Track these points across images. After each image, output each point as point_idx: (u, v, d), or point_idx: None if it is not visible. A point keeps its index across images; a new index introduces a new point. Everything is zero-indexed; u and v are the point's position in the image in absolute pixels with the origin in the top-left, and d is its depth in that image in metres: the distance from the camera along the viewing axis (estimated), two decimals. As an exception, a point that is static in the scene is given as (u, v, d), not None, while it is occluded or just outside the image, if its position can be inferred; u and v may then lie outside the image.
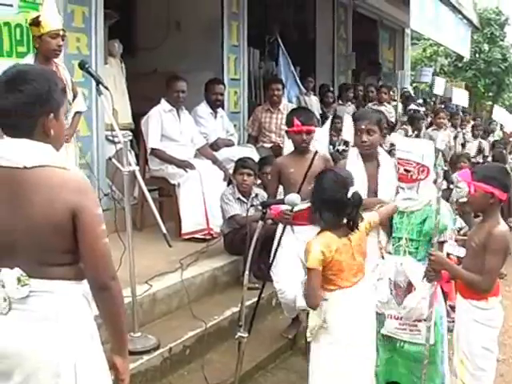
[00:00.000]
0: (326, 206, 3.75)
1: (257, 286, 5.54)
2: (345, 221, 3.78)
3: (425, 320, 4.14)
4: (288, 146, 5.72)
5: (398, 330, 4.39)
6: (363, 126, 4.83)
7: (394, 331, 4.41)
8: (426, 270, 4.05)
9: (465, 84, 24.41)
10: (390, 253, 4.47)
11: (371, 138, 4.81)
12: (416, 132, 10.87)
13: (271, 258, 4.82)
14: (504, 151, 11.42)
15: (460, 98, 14.39)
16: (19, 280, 2.50)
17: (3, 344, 2.51)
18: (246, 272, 4.30)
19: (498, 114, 13.95)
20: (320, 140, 5.76)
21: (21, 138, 2.50)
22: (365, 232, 3.93)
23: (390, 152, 6.43)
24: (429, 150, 4.36)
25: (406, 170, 4.29)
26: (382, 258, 4.47)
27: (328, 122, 7.08)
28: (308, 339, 4.01)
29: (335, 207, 3.74)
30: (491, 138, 13.36)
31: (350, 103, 12.01)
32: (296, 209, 4.76)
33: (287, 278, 5.21)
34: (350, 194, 3.71)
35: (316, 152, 5.25)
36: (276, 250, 4.76)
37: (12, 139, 2.51)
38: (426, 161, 4.23)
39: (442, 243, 4.29)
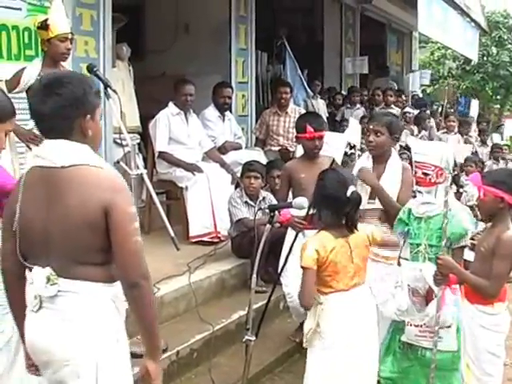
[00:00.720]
0: (325, 204, 3.80)
1: (264, 289, 5.54)
2: (343, 221, 3.80)
3: (448, 327, 4.07)
4: (300, 152, 5.72)
5: (419, 338, 4.26)
6: (371, 127, 4.85)
7: (415, 339, 4.28)
8: (434, 273, 4.02)
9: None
10: (406, 259, 4.40)
11: (377, 140, 4.79)
12: (423, 132, 10.86)
13: (282, 264, 4.81)
14: None
15: (475, 109, 14.47)
16: (49, 279, 2.56)
17: (35, 339, 2.65)
18: (254, 275, 4.28)
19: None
20: (337, 145, 5.75)
21: (59, 139, 2.59)
22: (367, 239, 3.92)
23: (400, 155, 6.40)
24: (447, 152, 4.31)
25: (424, 174, 4.23)
26: (398, 264, 4.43)
27: (350, 130, 7.09)
28: (304, 345, 3.98)
29: (334, 205, 3.77)
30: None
31: (359, 106, 12.00)
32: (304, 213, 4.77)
33: (296, 282, 5.21)
34: (349, 193, 3.73)
35: (326, 157, 5.30)
36: (287, 256, 4.75)
37: (51, 141, 2.60)
38: (444, 164, 4.18)
39: (462, 248, 4.23)
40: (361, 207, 4.33)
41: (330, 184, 3.83)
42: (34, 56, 5.74)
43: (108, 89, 4.78)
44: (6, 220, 2.73)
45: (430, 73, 16.14)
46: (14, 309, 2.83)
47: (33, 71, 5.02)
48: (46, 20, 4.98)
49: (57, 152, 2.58)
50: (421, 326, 4.25)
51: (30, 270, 2.63)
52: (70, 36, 5.11)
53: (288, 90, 8.88)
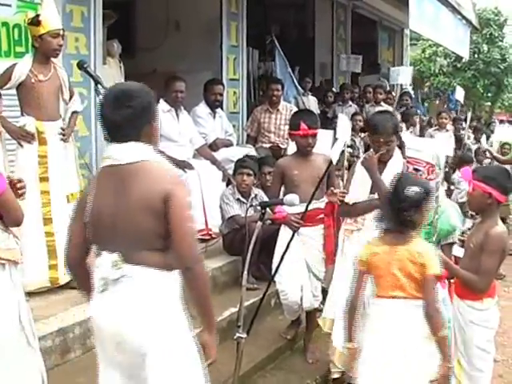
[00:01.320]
0: (385, 205, 3.74)
1: (255, 286, 5.54)
2: (398, 227, 3.63)
3: None
4: (292, 149, 5.71)
5: None
6: (381, 140, 4.62)
7: None
8: None
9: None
10: None
11: (389, 148, 4.65)
12: (411, 128, 10.84)
13: (277, 262, 4.81)
14: None
15: (460, 95, 14.36)
16: (115, 263, 2.88)
17: (99, 318, 2.96)
18: (245, 272, 4.29)
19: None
20: (326, 143, 5.75)
21: (128, 142, 2.91)
22: (415, 256, 3.60)
23: None
24: (440, 150, 4.32)
25: (415, 169, 4.24)
26: None
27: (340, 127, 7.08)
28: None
29: (389, 205, 3.65)
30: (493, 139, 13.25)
31: (350, 103, 12.01)
32: (297, 210, 4.76)
33: (290, 279, 5.22)
34: (408, 192, 3.57)
35: (320, 154, 5.29)
36: (283, 255, 4.74)
37: (120, 144, 2.92)
38: (435, 161, 4.18)
39: (450, 245, 4.25)
40: (360, 200, 4.37)
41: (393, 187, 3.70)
42: (24, 52, 5.72)
43: (98, 85, 4.78)
44: (76, 214, 3.06)
45: (411, 70, 15.74)
46: (83, 291, 3.17)
47: (23, 67, 5.01)
48: (38, 16, 4.96)
49: (124, 152, 2.90)
50: None
51: (98, 255, 2.96)
52: (61, 32, 5.09)
53: (279, 87, 8.88)
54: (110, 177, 2.94)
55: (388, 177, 4.71)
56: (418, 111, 13.51)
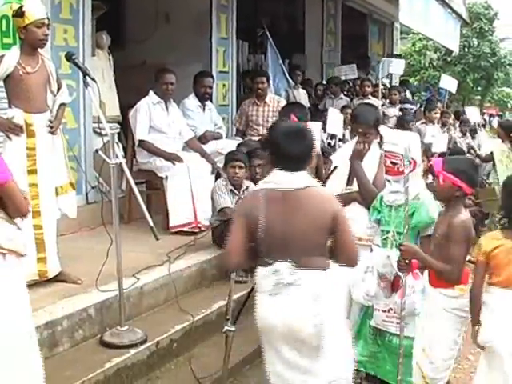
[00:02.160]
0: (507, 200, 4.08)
1: (244, 279, 5.53)
2: None
3: (417, 314, 4.18)
4: None
5: (386, 323, 4.42)
6: (360, 130, 4.88)
7: (382, 324, 4.44)
8: (397, 260, 4.10)
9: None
10: (378, 245, 4.48)
11: (367, 140, 4.84)
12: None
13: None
14: None
15: (448, 83, 14.27)
16: (289, 269, 3.41)
17: (275, 319, 3.46)
18: (234, 265, 4.27)
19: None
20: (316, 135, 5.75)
21: (299, 172, 3.51)
22: None
23: None
24: (414, 142, 4.36)
25: (392, 163, 4.30)
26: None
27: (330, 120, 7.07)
28: None
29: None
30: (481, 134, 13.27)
31: (341, 96, 12.00)
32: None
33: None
34: None
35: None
36: None
37: (292, 172, 3.48)
38: (411, 154, 4.21)
39: (429, 236, 4.29)
40: (339, 191, 4.41)
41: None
42: (11, 44, 5.68)
43: (87, 77, 4.75)
44: (243, 227, 3.53)
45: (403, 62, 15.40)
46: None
47: (11, 59, 4.95)
48: (21, 7, 4.91)
49: (296, 179, 3.48)
50: (388, 311, 4.35)
51: (269, 264, 3.47)
52: (46, 21, 5.04)
53: (264, 79, 8.84)
54: (282, 199, 3.47)
55: (366, 166, 4.79)
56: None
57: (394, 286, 4.27)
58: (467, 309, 4.08)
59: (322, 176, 5.46)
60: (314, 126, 5.90)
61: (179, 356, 4.97)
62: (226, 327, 4.23)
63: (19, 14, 4.93)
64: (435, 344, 4.11)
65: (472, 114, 13.55)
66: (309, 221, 3.46)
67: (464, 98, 27.93)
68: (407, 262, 4.06)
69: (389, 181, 4.44)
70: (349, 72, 12.98)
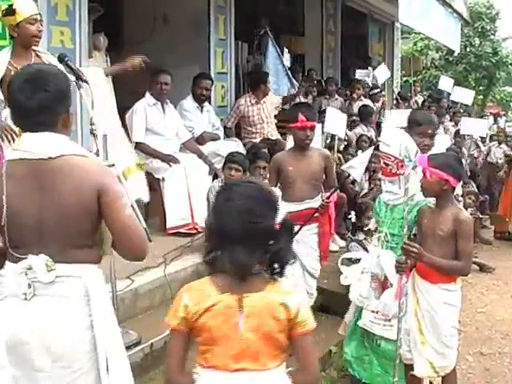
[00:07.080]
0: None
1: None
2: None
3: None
4: (291, 144, 5.67)
5: (373, 324, 4.41)
6: (430, 131, 4.77)
7: (369, 324, 4.43)
8: (397, 261, 4.09)
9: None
10: (375, 245, 4.49)
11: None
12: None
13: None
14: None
15: (448, 85, 14.18)
16: (46, 266, 2.64)
17: (24, 330, 2.65)
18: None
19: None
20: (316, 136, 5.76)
21: (44, 132, 2.70)
22: (280, 309, 2.57)
23: None
24: (408, 144, 4.34)
25: (385, 164, 4.29)
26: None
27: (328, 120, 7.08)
28: None
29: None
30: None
31: (337, 97, 12.00)
32: (293, 209, 4.74)
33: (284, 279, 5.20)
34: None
35: (317, 150, 5.35)
36: None
37: (35, 133, 2.70)
38: (405, 153, 4.19)
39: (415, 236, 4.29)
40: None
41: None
42: (6, 46, 5.66)
43: (80, 79, 4.74)
44: None
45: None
46: None
47: (3, 60, 4.94)
48: (11, 6, 4.89)
49: (43, 145, 2.68)
50: (376, 312, 4.33)
51: (18, 260, 2.68)
52: (39, 17, 5.02)
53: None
54: (30, 173, 2.67)
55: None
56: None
57: (383, 287, 4.27)
58: (460, 298, 4.17)
59: (331, 179, 5.45)
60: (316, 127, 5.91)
61: (174, 358, 4.95)
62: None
63: (10, 12, 4.91)
64: (440, 335, 4.13)
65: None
66: (67, 201, 2.65)
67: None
68: (408, 262, 4.05)
69: (383, 180, 4.46)
70: (365, 75, 12.96)
